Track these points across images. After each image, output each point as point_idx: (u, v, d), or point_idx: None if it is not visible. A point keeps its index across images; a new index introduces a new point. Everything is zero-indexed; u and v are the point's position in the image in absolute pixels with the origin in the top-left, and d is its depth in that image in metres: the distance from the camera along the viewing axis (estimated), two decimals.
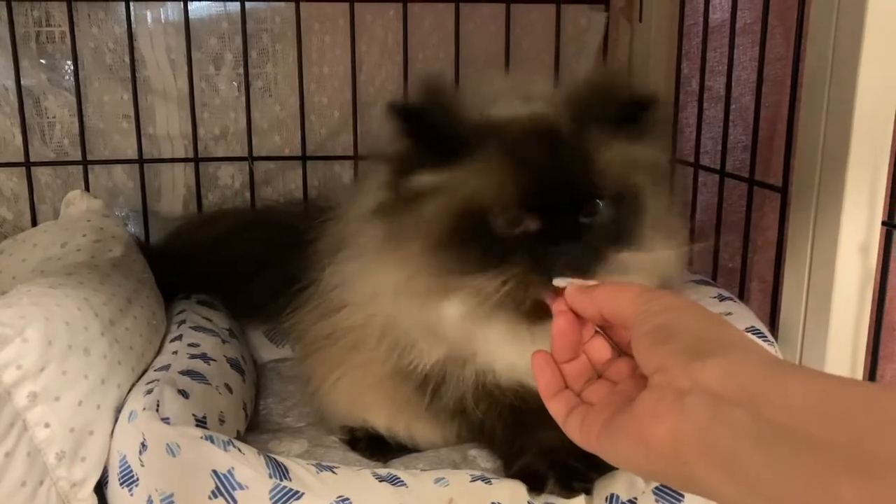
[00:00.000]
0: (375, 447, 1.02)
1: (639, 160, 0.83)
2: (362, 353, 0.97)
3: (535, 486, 0.82)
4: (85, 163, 1.36)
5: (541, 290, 0.75)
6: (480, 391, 0.90)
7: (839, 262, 0.90)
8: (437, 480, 0.85)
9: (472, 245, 0.80)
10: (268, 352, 1.33)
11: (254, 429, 1.10)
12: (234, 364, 1.07)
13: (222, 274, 1.26)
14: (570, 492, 0.81)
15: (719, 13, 1.32)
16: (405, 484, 0.83)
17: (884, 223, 0.85)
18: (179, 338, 1.07)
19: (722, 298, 1.04)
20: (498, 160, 0.79)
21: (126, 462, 0.84)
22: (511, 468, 0.88)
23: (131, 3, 1.32)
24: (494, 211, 0.79)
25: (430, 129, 0.81)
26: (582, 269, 0.76)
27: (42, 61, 1.37)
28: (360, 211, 0.90)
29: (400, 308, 0.88)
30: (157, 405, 0.85)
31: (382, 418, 1.00)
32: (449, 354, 0.89)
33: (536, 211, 0.78)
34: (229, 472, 0.77)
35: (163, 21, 1.36)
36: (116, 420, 0.88)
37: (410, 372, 0.91)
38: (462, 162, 0.80)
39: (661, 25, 1.39)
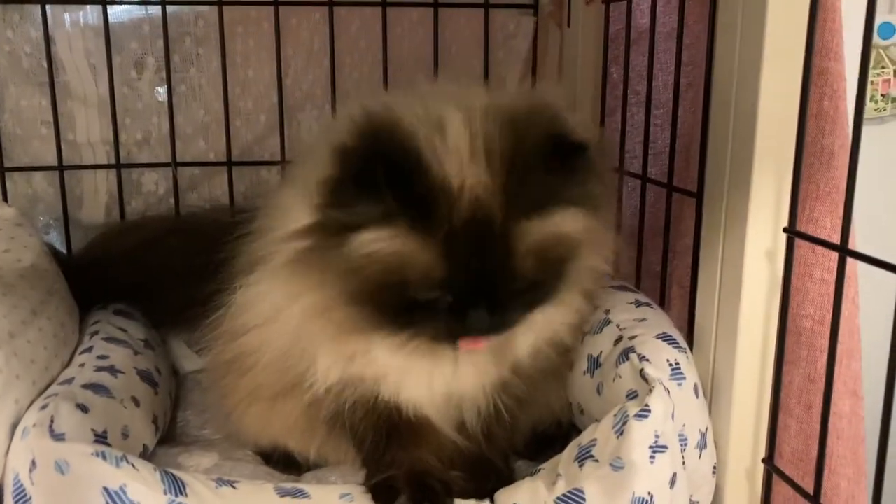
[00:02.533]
0: (289, 463, 1.02)
1: (571, 229, 0.83)
2: (266, 377, 0.96)
3: (386, 500, 0.82)
4: (2, 169, 1.32)
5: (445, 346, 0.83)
6: (365, 405, 0.91)
7: (746, 268, 0.90)
8: (343, 496, 0.84)
9: (390, 305, 0.81)
10: (190, 362, 1.31)
11: (169, 441, 1.08)
12: (145, 376, 1.05)
13: (142, 282, 1.24)
14: None
15: (646, 18, 1.33)
16: (309, 496, 0.82)
17: (785, 230, 0.85)
18: (90, 349, 1.05)
19: (639, 304, 1.04)
20: (433, 243, 0.77)
21: (19, 481, 0.82)
22: (371, 479, 0.88)
23: (47, 6, 1.29)
24: (416, 286, 0.79)
25: (388, 193, 0.76)
26: (488, 335, 0.83)
27: None
28: (279, 232, 0.86)
29: (305, 329, 0.87)
30: (52, 421, 0.82)
31: (293, 443, 1.01)
32: (344, 376, 0.89)
33: (454, 292, 0.79)
34: (121, 488, 0.75)
35: (81, 24, 1.33)
36: (13, 437, 0.86)
37: (306, 389, 0.91)
38: (402, 232, 0.77)
39: (588, 30, 1.39)
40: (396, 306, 0.81)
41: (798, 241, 0.87)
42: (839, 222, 0.81)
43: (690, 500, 0.91)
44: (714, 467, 0.94)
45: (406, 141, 0.78)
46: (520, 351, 0.91)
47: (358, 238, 0.78)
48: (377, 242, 0.78)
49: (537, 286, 0.83)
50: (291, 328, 0.88)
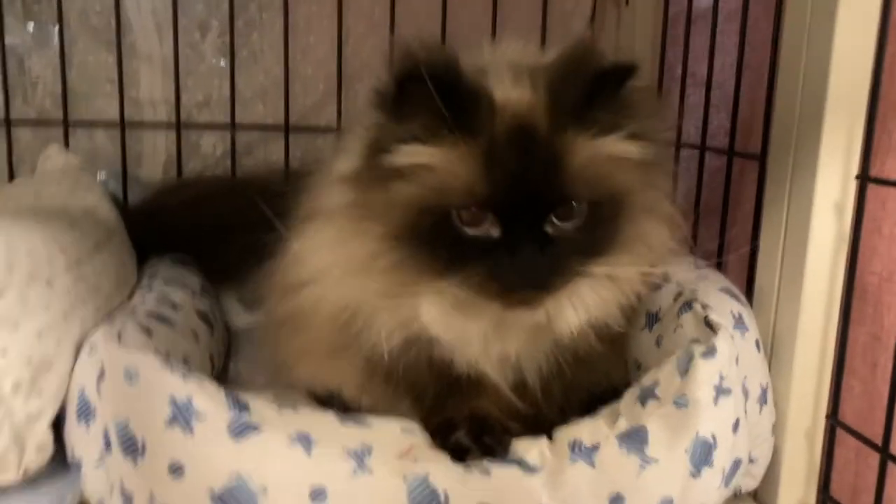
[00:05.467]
0: (344, 408, 1.01)
1: (623, 154, 0.81)
2: (320, 335, 0.95)
3: (446, 435, 0.81)
4: (66, 124, 1.35)
5: (498, 298, 0.78)
6: (424, 362, 0.90)
7: (814, 221, 0.89)
8: (404, 430, 0.84)
9: (434, 241, 0.79)
10: (241, 318, 1.31)
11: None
12: (202, 316, 1.06)
13: (197, 235, 1.25)
14: (479, 444, 0.80)
15: (705, 0, 1.33)
16: (370, 426, 0.82)
17: (857, 177, 0.85)
18: (149, 288, 1.06)
19: (698, 265, 1.04)
20: (474, 155, 0.77)
21: (84, 395, 0.83)
22: (430, 422, 0.86)
23: None
24: (459, 209, 0.77)
25: (429, 99, 0.75)
26: (537, 286, 0.78)
27: (28, 23, 1.37)
28: (331, 174, 0.88)
29: (357, 287, 0.86)
30: (119, 336, 0.83)
31: (347, 392, 0.99)
32: (407, 336, 0.87)
33: (500, 214, 0.77)
34: (188, 399, 0.75)
35: None
36: (77, 358, 0.87)
37: (362, 348, 0.89)
38: (443, 144, 0.78)
39: (646, 10, 1.40)
40: (441, 242, 0.79)
41: (867, 196, 0.85)
42: None
43: (749, 456, 0.90)
44: (773, 426, 0.93)
45: (447, 54, 0.78)
46: (566, 327, 0.87)
47: (399, 151, 0.78)
48: (418, 155, 0.78)
49: (590, 229, 0.80)
50: (343, 283, 0.87)
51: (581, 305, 0.87)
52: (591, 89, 0.78)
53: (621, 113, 0.81)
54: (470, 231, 0.78)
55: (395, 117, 0.79)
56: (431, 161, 0.78)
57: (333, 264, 0.88)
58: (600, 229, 0.81)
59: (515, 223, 0.77)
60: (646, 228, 0.89)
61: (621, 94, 0.80)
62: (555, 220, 0.78)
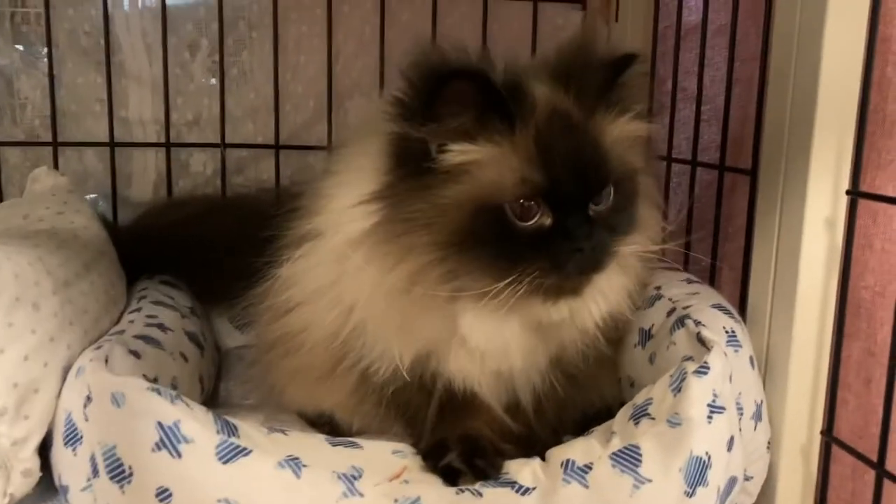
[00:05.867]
0: (334, 428, 1.01)
1: (632, 135, 0.86)
2: (312, 358, 0.94)
3: (437, 457, 0.80)
4: (55, 144, 1.34)
5: (553, 290, 0.80)
6: (418, 383, 0.89)
7: (805, 237, 0.89)
8: (395, 452, 0.83)
9: (489, 241, 0.78)
10: (232, 338, 1.31)
11: (212, 408, 1.07)
12: (192, 337, 1.05)
13: (186, 255, 1.25)
14: (471, 467, 0.79)
15: (695, 15, 1.33)
16: (361, 447, 0.81)
17: (848, 192, 0.84)
18: (138, 310, 1.05)
19: (690, 281, 1.03)
20: (525, 146, 0.78)
21: (71, 419, 0.81)
22: (422, 443, 0.85)
23: None
24: (513, 202, 0.78)
25: (476, 95, 0.76)
26: (593, 268, 0.81)
27: (17, 44, 1.36)
28: (343, 201, 0.84)
29: (378, 311, 0.84)
30: (106, 360, 0.82)
31: (338, 415, 0.98)
32: (416, 356, 0.86)
33: (552, 202, 0.78)
34: (175, 424, 0.74)
35: (139, 6, 1.37)
36: (64, 381, 0.86)
37: (356, 369, 0.89)
38: (493, 139, 0.78)
39: (636, 26, 1.40)
40: (496, 240, 0.78)
41: (858, 212, 0.85)
42: None
43: (745, 473, 0.89)
44: (769, 443, 0.92)
45: (481, 56, 0.80)
46: (589, 320, 0.88)
47: (446, 152, 0.78)
48: (467, 153, 0.78)
49: (616, 209, 0.83)
50: (349, 308, 0.85)
51: (599, 296, 0.88)
52: (607, 75, 0.83)
53: (628, 96, 0.86)
54: (523, 224, 0.78)
55: (433, 120, 0.77)
56: (483, 157, 0.78)
57: (334, 289, 0.86)
58: (623, 209, 0.84)
59: (567, 210, 0.79)
60: (646, 211, 0.91)
61: (626, 79, 0.85)
62: (594, 204, 0.81)
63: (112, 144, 1.36)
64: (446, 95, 0.76)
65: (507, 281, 0.77)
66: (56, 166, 1.34)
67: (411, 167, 0.79)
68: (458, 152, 0.78)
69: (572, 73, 0.83)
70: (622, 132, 0.85)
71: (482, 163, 0.78)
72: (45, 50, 1.33)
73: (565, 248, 0.78)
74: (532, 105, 0.79)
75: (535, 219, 0.78)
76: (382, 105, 0.83)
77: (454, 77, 0.75)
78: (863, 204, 0.85)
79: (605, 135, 0.83)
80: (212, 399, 1.11)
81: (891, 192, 0.88)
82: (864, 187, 0.86)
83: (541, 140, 0.78)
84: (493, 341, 0.85)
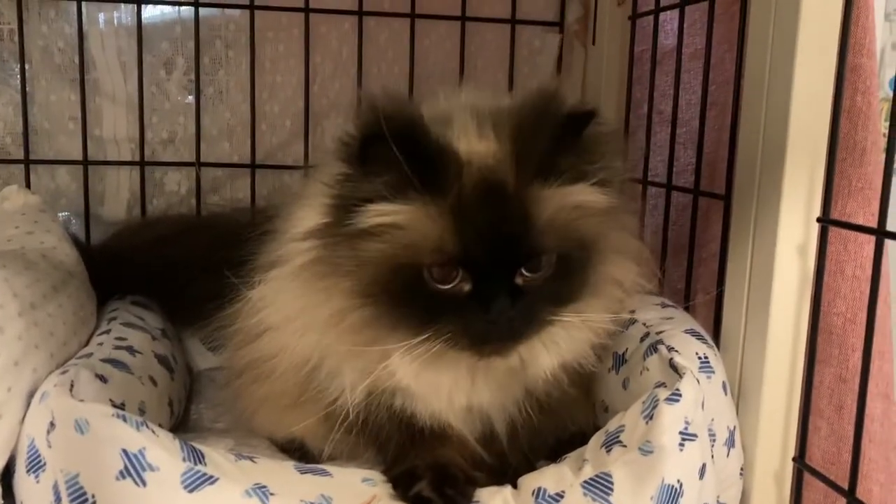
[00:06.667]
0: (305, 454, 1.00)
1: (590, 202, 0.82)
2: (282, 385, 0.94)
3: (407, 485, 0.79)
4: (27, 161, 1.33)
5: (471, 350, 0.79)
6: (387, 413, 0.88)
7: (777, 264, 0.89)
8: (365, 480, 0.82)
9: (405, 298, 0.78)
10: (204, 360, 1.29)
11: (182, 431, 1.06)
12: (162, 360, 1.03)
13: (159, 276, 1.23)
14: (441, 495, 0.78)
15: (671, 39, 1.34)
16: (330, 475, 0.80)
17: (819, 220, 0.85)
18: (107, 332, 1.04)
19: (665, 306, 1.03)
20: (443, 213, 0.77)
21: (34, 446, 0.80)
22: (392, 471, 0.84)
23: (83, 4, 1.32)
24: (430, 266, 0.77)
25: (398, 158, 0.75)
26: (509, 338, 0.80)
27: None
28: (295, 230, 0.86)
29: (327, 343, 0.85)
30: (71, 386, 0.81)
31: (309, 441, 0.98)
32: (372, 389, 0.86)
33: (471, 270, 0.77)
34: (140, 451, 0.73)
35: (115, 23, 1.35)
36: (29, 406, 0.84)
37: (325, 399, 0.88)
38: (411, 202, 0.77)
39: (613, 49, 1.41)
40: (412, 298, 0.78)
41: (829, 238, 0.86)
42: (872, 218, 0.81)
43: (718, 500, 0.89)
44: (741, 469, 0.92)
45: (411, 112, 0.78)
46: (540, 370, 0.87)
47: (366, 210, 0.77)
48: (386, 215, 0.77)
49: (560, 277, 0.80)
50: (311, 339, 0.86)
51: (554, 348, 0.87)
52: (554, 139, 0.78)
53: (585, 159, 0.81)
54: (441, 287, 0.78)
55: (361, 173, 0.78)
56: (400, 220, 0.77)
57: (298, 317, 0.86)
58: (570, 277, 0.82)
59: (486, 278, 0.77)
60: (615, 268, 0.90)
61: (584, 139, 0.80)
62: (525, 272, 0.79)
63: (85, 163, 1.35)
64: (368, 154, 0.76)
65: (421, 338, 0.78)
66: (28, 184, 1.33)
67: (343, 215, 0.79)
68: (377, 212, 0.77)
69: (519, 135, 0.79)
70: (571, 201, 0.80)
71: (400, 225, 0.77)
72: (18, 66, 1.32)
73: (478, 317, 0.77)
74: (457, 169, 0.77)
75: (454, 283, 0.77)
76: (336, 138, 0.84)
77: (373, 138, 0.75)
78: (834, 231, 0.85)
79: (541, 204, 0.78)
80: (182, 422, 1.09)
81: (861, 220, 0.89)
82: (835, 214, 0.87)
83: (461, 208, 0.76)
84: (429, 383, 0.85)
